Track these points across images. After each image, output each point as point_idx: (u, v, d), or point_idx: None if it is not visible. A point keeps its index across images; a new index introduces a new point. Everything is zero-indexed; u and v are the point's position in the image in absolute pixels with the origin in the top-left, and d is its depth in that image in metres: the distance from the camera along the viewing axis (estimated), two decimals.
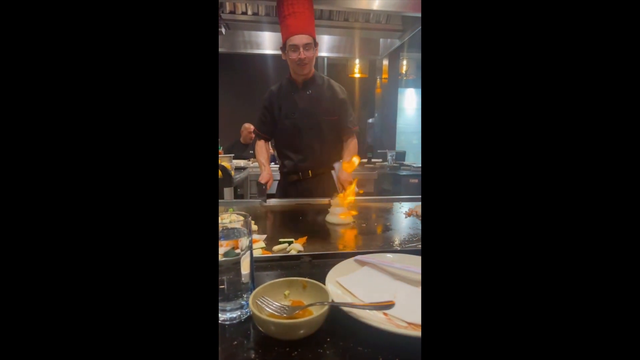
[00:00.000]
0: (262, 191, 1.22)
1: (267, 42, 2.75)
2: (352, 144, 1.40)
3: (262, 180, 1.27)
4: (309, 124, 1.35)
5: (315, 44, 1.28)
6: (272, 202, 1.26)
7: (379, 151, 3.35)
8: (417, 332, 0.38)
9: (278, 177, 1.50)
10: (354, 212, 1.02)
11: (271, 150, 1.53)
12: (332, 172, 1.34)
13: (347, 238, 0.85)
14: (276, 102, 1.37)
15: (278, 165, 1.52)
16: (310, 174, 1.39)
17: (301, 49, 1.24)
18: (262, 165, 1.38)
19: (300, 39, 1.23)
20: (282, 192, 1.46)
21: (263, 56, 2.94)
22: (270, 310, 0.41)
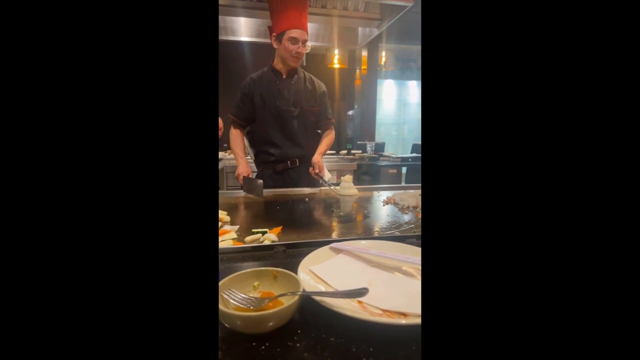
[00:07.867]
0: (255, 185, 1.16)
1: (242, 29, 2.64)
2: (330, 135, 1.45)
3: (244, 173, 1.26)
4: (294, 111, 1.36)
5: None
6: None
7: (358, 142, 3.35)
8: (393, 320, 0.37)
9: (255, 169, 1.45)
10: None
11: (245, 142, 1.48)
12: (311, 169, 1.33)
13: (325, 226, 0.83)
14: (257, 90, 1.36)
15: (253, 157, 1.48)
16: (298, 162, 1.39)
17: (300, 44, 1.28)
18: (239, 157, 1.36)
19: (301, 34, 1.27)
20: (267, 182, 1.40)
21: (239, 43, 2.83)
22: (236, 303, 0.38)
